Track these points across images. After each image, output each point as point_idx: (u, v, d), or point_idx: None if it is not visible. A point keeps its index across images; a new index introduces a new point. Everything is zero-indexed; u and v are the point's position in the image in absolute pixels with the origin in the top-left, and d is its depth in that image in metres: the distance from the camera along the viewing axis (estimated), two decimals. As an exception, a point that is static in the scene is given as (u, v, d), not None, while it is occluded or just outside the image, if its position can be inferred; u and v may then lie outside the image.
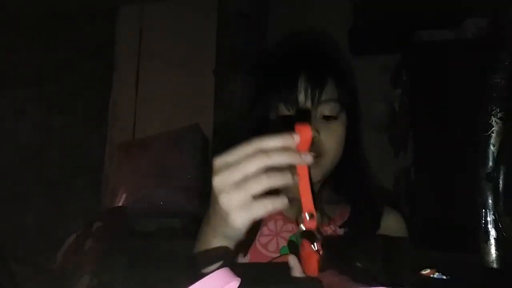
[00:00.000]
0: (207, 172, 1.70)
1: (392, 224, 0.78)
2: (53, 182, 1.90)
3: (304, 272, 0.45)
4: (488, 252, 0.55)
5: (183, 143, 1.68)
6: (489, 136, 0.55)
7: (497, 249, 0.54)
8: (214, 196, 0.46)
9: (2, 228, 1.78)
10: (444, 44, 1.39)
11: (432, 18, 1.49)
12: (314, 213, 0.46)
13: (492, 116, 0.55)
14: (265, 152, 0.44)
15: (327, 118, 0.75)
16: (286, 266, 0.47)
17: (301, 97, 0.74)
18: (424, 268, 0.36)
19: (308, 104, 0.74)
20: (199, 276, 0.32)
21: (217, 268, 0.35)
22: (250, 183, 0.43)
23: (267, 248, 0.73)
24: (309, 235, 0.44)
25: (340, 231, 0.76)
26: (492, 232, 0.55)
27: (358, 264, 0.46)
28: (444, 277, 0.35)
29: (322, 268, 0.40)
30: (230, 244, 0.50)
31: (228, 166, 0.45)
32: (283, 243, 0.74)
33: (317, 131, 0.72)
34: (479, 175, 0.56)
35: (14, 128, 2.01)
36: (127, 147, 1.78)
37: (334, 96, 0.75)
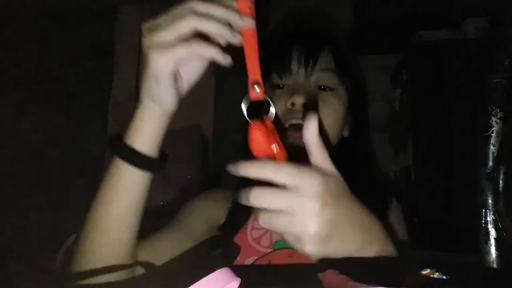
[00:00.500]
0: (207, 172, 1.70)
1: (396, 217, 0.75)
2: (53, 182, 1.90)
3: (253, 152, 0.44)
4: (488, 252, 0.55)
5: (183, 143, 1.68)
6: (489, 136, 0.55)
7: (497, 249, 0.54)
8: (143, 61, 0.45)
9: (1, 228, 1.78)
10: (444, 44, 1.38)
11: (432, 18, 1.49)
12: (261, 82, 0.46)
13: (492, 116, 0.55)
14: (198, 12, 0.43)
15: (323, 89, 0.72)
16: (287, 268, 0.47)
17: (294, 65, 0.72)
18: (424, 268, 0.36)
19: (302, 72, 0.72)
20: (199, 276, 0.32)
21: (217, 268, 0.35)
22: (180, 44, 0.42)
23: (260, 243, 0.71)
24: (256, 111, 0.43)
25: None
26: (492, 232, 0.55)
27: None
28: (444, 277, 0.35)
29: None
30: (158, 112, 0.50)
31: (158, 26, 0.44)
32: (276, 237, 0.71)
33: (309, 100, 0.69)
34: (479, 175, 0.56)
35: (14, 128, 2.00)
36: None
37: (330, 66, 0.72)
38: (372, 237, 0.45)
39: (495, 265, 0.55)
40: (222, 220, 0.76)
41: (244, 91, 0.49)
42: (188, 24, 0.43)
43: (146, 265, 0.59)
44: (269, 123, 0.46)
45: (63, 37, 2.03)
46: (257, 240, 0.72)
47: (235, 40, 0.45)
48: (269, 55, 0.75)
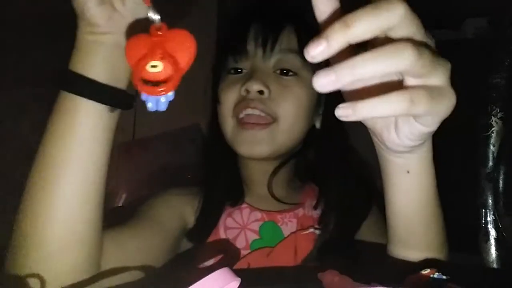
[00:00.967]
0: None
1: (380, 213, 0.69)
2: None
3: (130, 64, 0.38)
4: (488, 252, 0.55)
5: (183, 143, 1.68)
6: (489, 136, 0.55)
7: (497, 249, 0.54)
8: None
9: (1, 228, 1.77)
10: (444, 44, 1.38)
11: (432, 18, 1.49)
12: None
13: (492, 116, 0.55)
14: None
15: (284, 73, 0.63)
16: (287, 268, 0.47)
17: (251, 45, 0.63)
18: (424, 268, 0.36)
19: (260, 54, 0.63)
20: (199, 276, 0.32)
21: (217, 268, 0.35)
22: None
23: (236, 244, 0.66)
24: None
25: (315, 213, 0.68)
26: (492, 232, 0.55)
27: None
28: (444, 277, 0.35)
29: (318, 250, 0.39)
30: (91, 29, 0.45)
31: None
32: (253, 236, 0.65)
33: (267, 87, 0.61)
34: (479, 175, 0.56)
35: (14, 128, 2.00)
36: (127, 147, 1.78)
37: (293, 46, 0.63)
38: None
39: (495, 265, 0.55)
40: (192, 217, 0.68)
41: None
42: None
43: (144, 268, 0.55)
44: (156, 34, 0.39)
45: (63, 37, 2.03)
46: (233, 241, 0.65)
47: None
48: (224, 34, 0.68)
